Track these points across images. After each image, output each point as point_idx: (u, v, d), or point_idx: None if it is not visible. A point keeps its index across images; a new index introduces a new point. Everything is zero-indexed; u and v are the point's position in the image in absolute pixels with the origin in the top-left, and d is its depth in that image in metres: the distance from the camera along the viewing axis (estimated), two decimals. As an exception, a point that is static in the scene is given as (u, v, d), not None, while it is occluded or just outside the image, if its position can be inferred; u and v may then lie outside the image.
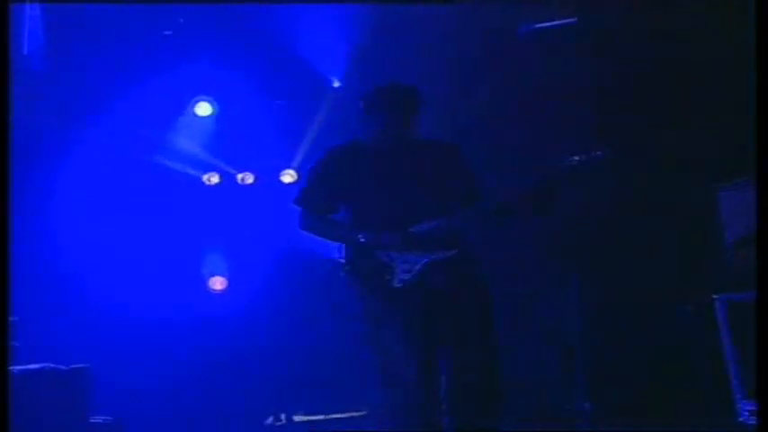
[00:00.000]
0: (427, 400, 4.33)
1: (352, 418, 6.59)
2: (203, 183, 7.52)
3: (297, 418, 6.70)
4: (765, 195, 3.77)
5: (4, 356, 4.01)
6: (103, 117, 7.13)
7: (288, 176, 7.50)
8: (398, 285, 4.41)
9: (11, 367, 4.97)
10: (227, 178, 7.56)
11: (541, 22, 6.78)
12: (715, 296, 5.55)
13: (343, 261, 4.59)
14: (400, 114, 4.56)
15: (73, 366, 5.53)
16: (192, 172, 7.48)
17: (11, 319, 4.16)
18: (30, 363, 5.43)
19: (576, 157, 4.36)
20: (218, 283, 7.43)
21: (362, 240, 4.48)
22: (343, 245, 4.61)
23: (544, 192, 4.43)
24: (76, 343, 6.26)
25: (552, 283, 6.59)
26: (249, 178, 7.56)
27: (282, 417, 6.86)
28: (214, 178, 7.52)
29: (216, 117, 7.43)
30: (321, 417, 6.67)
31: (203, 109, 7.40)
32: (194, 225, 7.43)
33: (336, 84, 7.38)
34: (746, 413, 5.24)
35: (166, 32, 7.08)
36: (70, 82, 6.97)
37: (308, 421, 6.73)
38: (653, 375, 6.29)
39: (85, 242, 7.01)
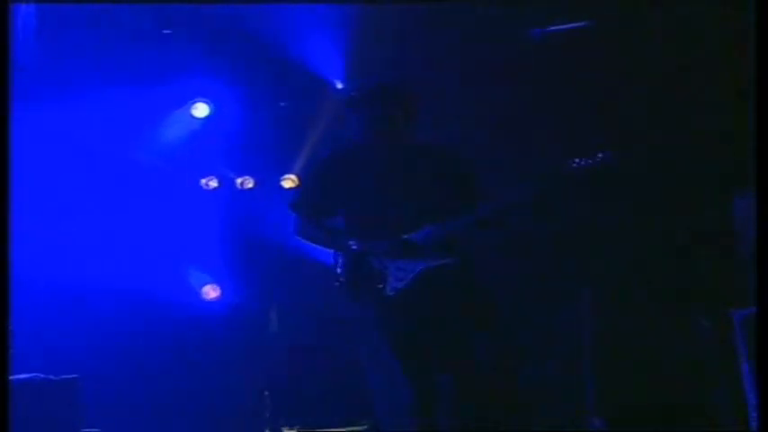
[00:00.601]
0: (425, 409, 4.34)
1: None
2: (201, 187, 7.45)
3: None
4: (766, 201, 3.76)
5: (5, 365, 4.03)
6: (96, 118, 7.09)
7: (289, 181, 7.46)
8: (390, 294, 4.40)
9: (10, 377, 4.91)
10: (226, 183, 7.50)
11: (552, 25, 6.73)
12: (731, 310, 5.49)
13: (338, 269, 4.60)
14: (387, 115, 4.57)
15: (63, 377, 5.50)
16: (189, 176, 7.43)
17: (10, 328, 4.12)
18: (19, 373, 5.37)
19: (578, 160, 4.36)
20: (211, 292, 7.37)
21: (354, 247, 4.50)
22: (338, 252, 4.62)
23: (544, 197, 4.44)
24: (67, 353, 6.22)
25: (560, 292, 6.56)
26: (249, 183, 7.51)
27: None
28: (212, 182, 7.46)
29: (214, 118, 7.37)
30: (320, 431, 6.59)
31: (200, 110, 7.34)
32: (192, 231, 7.38)
33: (339, 86, 7.32)
34: (761, 431, 5.16)
35: (165, 31, 7.05)
36: (62, 80, 6.94)
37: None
38: (666, 391, 6.24)
39: (78, 248, 6.97)
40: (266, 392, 6.76)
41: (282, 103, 7.48)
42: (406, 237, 4.44)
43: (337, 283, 4.58)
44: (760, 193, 3.83)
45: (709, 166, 6.31)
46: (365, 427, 6.47)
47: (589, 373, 6.25)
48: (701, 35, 6.30)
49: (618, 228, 6.57)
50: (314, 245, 4.84)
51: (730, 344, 5.46)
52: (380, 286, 4.41)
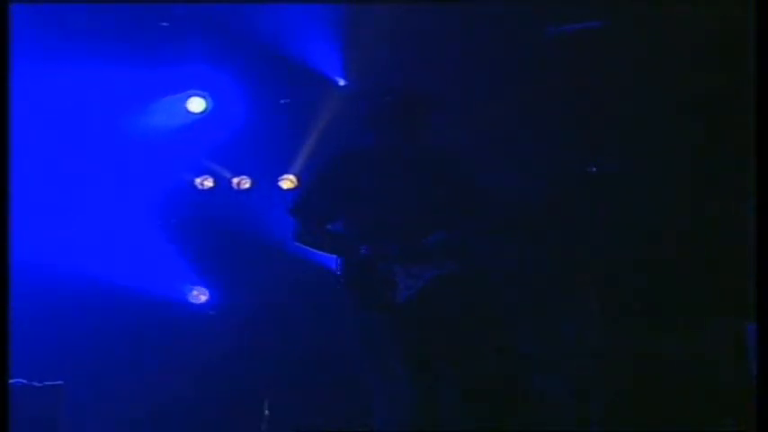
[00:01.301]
0: (428, 422, 4.31)
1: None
2: (195, 187, 7.37)
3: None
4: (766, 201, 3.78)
5: (5, 366, 4.03)
6: (90, 114, 7.02)
7: (287, 182, 7.39)
8: (400, 301, 4.36)
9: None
10: (222, 182, 7.40)
11: (565, 25, 6.71)
12: (746, 323, 5.51)
13: (341, 274, 4.56)
14: (412, 121, 4.61)
15: (46, 383, 5.45)
16: (183, 174, 7.35)
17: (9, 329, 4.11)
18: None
19: (594, 166, 4.38)
20: (200, 296, 7.29)
21: (363, 252, 4.45)
22: (342, 257, 4.58)
23: (558, 201, 4.48)
24: (51, 358, 6.14)
25: (568, 300, 6.52)
26: (245, 183, 7.41)
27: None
28: (207, 182, 7.37)
29: (210, 114, 7.29)
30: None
31: (196, 104, 7.25)
32: (185, 232, 7.30)
33: (342, 83, 7.22)
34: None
35: (163, 24, 7.00)
36: (56, 77, 6.87)
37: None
38: (673, 402, 6.17)
39: (65, 249, 6.87)
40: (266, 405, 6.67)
41: (283, 101, 7.40)
42: (417, 241, 4.40)
43: (340, 287, 4.50)
44: (760, 194, 3.86)
45: (721, 169, 6.31)
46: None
47: (595, 382, 6.23)
48: (702, 35, 6.31)
49: (626, 233, 6.53)
50: (315, 250, 4.78)
51: (742, 352, 5.53)
52: (390, 294, 4.35)
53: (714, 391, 5.97)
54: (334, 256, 4.61)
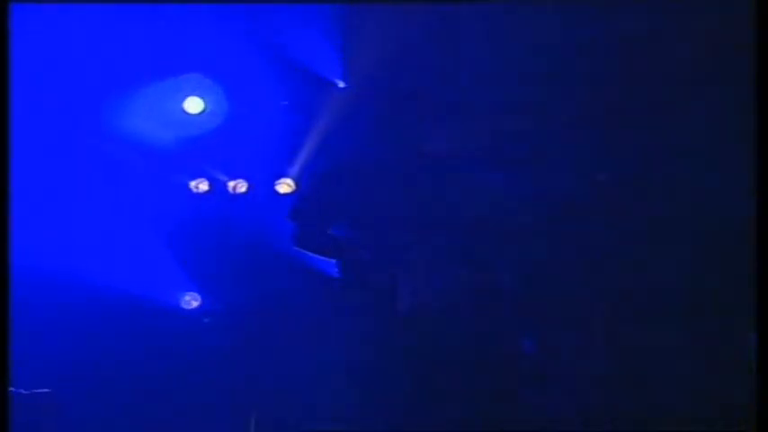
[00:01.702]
0: (428, 426, 4.44)
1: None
2: (190, 190, 7.34)
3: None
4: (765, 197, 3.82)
5: (5, 370, 4.03)
6: (84, 115, 7.03)
7: (284, 186, 7.29)
8: (402, 308, 4.45)
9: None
10: (218, 186, 7.36)
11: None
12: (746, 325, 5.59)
13: (342, 279, 4.47)
14: (414, 126, 4.83)
15: (34, 391, 5.47)
16: (177, 177, 7.32)
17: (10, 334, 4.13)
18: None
19: (603, 176, 4.41)
20: (192, 301, 7.25)
21: (365, 256, 4.58)
22: (342, 262, 4.64)
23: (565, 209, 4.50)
24: (39, 366, 6.11)
25: (570, 304, 6.41)
26: (242, 186, 7.35)
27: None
28: (203, 185, 7.33)
29: (207, 116, 7.24)
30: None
31: (194, 105, 7.21)
32: (179, 237, 7.28)
33: (341, 85, 7.18)
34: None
35: (160, 23, 6.98)
36: (54, 77, 6.90)
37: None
38: (673, 403, 6.27)
39: (58, 253, 6.86)
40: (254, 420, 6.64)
41: (284, 102, 7.34)
42: (418, 247, 4.47)
43: (340, 293, 4.50)
44: (760, 194, 3.92)
45: (722, 170, 6.36)
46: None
47: (595, 382, 6.28)
48: (702, 35, 6.36)
49: (627, 236, 6.50)
50: (315, 255, 4.78)
51: (743, 353, 5.64)
52: (391, 300, 4.45)
53: (715, 391, 6.04)
54: (335, 261, 4.63)
